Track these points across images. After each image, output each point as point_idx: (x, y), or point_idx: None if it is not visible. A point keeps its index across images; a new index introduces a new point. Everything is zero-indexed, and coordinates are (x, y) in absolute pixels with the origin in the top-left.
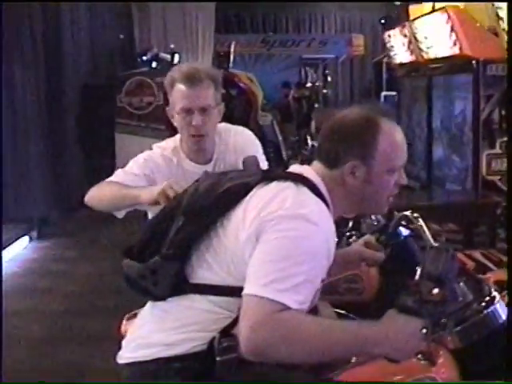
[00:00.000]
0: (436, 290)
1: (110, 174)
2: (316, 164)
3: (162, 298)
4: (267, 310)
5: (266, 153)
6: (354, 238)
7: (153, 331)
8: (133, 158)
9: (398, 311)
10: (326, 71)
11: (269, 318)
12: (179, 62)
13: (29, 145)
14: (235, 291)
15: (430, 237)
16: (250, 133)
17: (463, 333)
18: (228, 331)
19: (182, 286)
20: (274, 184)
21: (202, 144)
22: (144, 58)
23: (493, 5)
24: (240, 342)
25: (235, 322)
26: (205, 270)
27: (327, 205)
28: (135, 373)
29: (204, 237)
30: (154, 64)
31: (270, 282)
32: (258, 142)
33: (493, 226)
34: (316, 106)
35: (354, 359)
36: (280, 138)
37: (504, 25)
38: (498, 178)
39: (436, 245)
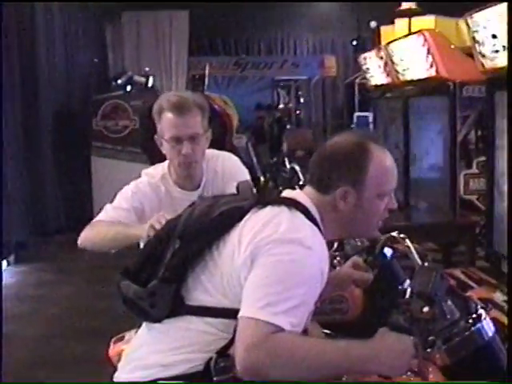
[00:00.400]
0: (426, 309)
1: (87, 197)
2: (308, 189)
3: (159, 320)
4: (262, 332)
5: None
6: (338, 259)
7: (150, 352)
8: (109, 181)
9: (389, 329)
10: (299, 92)
11: (263, 339)
12: (153, 85)
13: (4, 170)
14: (231, 313)
15: (416, 257)
16: (237, 158)
17: (451, 350)
18: (224, 352)
19: (178, 307)
20: (269, 209)
21: (191, 171)
22: (118, 81)
23: (469, 28)
24: (236, 362)
25: (231, 342)
26: (201, 293)
27: (319, 229)
28: None
29: (199, 260)
30: (128, 87)
31: (265, 305)
32: (244, 168)
33: (472, 245)
34: (288, 126)
35: (345, 377)
36: (255, 160)
37: (480, 48)
38: (476, 197)
39: (426, 264)
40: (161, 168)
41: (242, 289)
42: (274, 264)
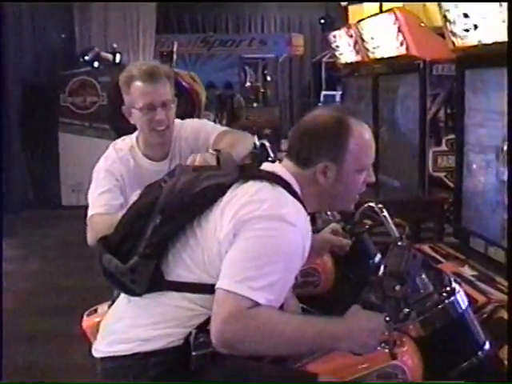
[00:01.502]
0: (398, 287)
1: (54, 174)
2: (287, 162)
3: (139, 295)
4: (239, 306)
5: None
6: None
7: (129, 326)
8: (76, 157)
9: (361, 306)
10: (266, 71)
11: (240, 313)
12: (120, 61)
13: None
14: (211, 289)
15: (393, 227)
16: (194, 120)
17: (426, 322)
18: (204, 327)
19: (158, 283)
20: (251, 183)
21: (164, 138)
22: (86, 57)
23: (440, 7)
24: (211, 334)
25: (211, 318)
26: (181, 268)
27: (301, 202)
28: (111, 367)
29: (181, 235)
30: (95, 64)
31: (244, 278)
32: (203, 120)
33: (440, 221)
34: (255, 105)
35: (316, 354)
36: None
37: (451, 27)
38: (444, 174)
39: (399, 243)
40: (129, 140)
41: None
42: (255, 239)
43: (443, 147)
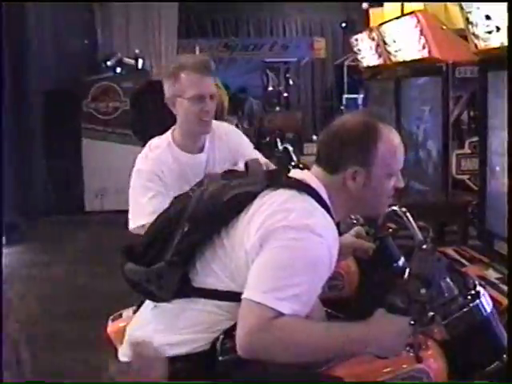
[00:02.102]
0: (423, 290)
1: (78, 180)
2: (316, 169)
3: (166, 301)
4: (265, 317)
5: None
6: None
7: (155, 331)
8: (99, 162)
9: (386, 310)
10: (288, 74)
11: (266, 324)
12: (143, 67)
13: None
14: (238, 297)
15: (417, 231)
16: (230, 125)
17: (450, 325)
18: (230, 333)
19: (185, 289)
20: (280, 192)
21: (209, 128)
22: (108, 63)
23: (462, 9)
24: (237, 343)
25: (236, 325)
26: (208, 276)
27: (329, 211)
28: None
29: (208, 244)
30: (118, 69)
31: (270, 289)
32: (248, 141)
33: (464, 224)
34: (277, 109)
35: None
36: None
37: (473, 29)
38: (468, 177)
39: (424, 247)
40: (164, 137)
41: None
42: (282, 249)
43: (466, 150)
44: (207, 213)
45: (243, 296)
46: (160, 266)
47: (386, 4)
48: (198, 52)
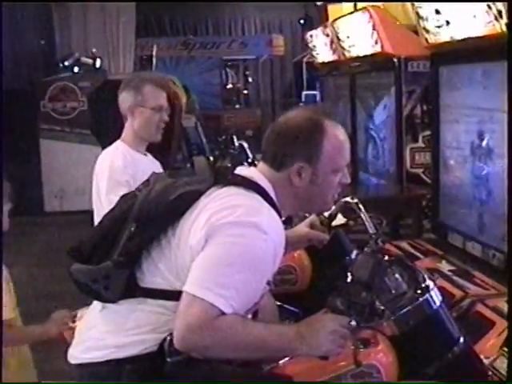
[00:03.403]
0: (364, 294)
1: (36, 180)
2: (262, 166)
3: (113, 301)
4: (205, 315)
5: (190, 155)
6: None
7: (104, 332)
8: (58, 162)
9: (329, 310)
10: (247, 72)
11: (205, 323)
12: (101, 66)
13: None
14: (179, 295)
15: (370, 223)
16: None
17: (399, 320)
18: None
19: (132, 290)
20: (225, 189)
21: (160, 135)
22: (65, 63)
23: (413, 4)
24: (174, 336)
25: None
26: (155, 275)
27: (276, 208)
28: (86, 374)
29: (155, 243)
30: (75, 69)
31: (213, 285)
32: None
33: (418, 217)
34: (237, 106)
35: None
36: (204, 140)
37: (424, 23)
38: (422, 170)
39: (366, 250)
40: (115, 145)
41: None
42: (228, 245)
43: (420, 144)
44: (153, 213)
45: (185, 288)
46: (106, 265)
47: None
48: (155, 50)
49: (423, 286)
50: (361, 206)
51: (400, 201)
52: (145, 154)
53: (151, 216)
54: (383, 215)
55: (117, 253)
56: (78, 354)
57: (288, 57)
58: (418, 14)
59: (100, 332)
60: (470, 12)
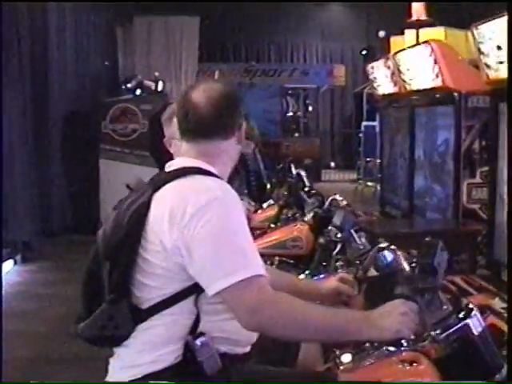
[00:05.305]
0: (430, 279)
1: (94, 200)
2: (189, 150)
3: (128, 337)
4: (254, 289)
5: (247, 181)
6: (340, 263)
7: (133, 354)
8: (116, 183)
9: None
10: (307, 101)
11: (262, 296)
12: (163, 89)
13: (13, 169)
14: (181, 295)
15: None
16: None
17: (443, 341)
18: (195, 331)
19: (140, 316)
20: (167, 188)
21: None
22: (128, 85)
23: (474, 38)
24: (244, 326)
25: (197, 319)
26: (148, 293)
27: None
28: None
29: (133, 267)
30: (138, 91)
31: (232, 268)
32: None
33: (473, 253)
34: (296, 135)
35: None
36: (262, 166)
37: (485, 59)
38: (478, 206)
39: (427, 239)
40: None
41: (182, 269)
42: (209, 234)
43: (477, 179)
44: (116, 243)
45: (215, 291)
46: (104, 308)
47: (406, 32)
48: (217, 76)
49: (466, 310)
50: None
51: (456, 236)
52: None
53: (116, 248)
54: None
55: (107, 293)
56: (114, 374)
57: (349, 87)
58: (479, 49)
59: (129, 354)
60: None
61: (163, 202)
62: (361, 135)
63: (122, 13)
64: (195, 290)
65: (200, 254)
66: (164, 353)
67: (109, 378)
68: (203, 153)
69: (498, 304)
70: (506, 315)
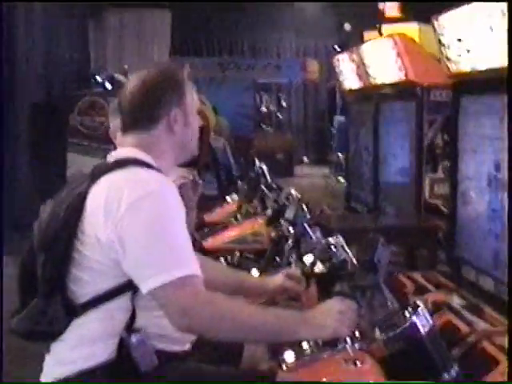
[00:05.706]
0: (369, 277)
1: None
2: (128, 139)
3: (62, 332)
4: (186, 290)
5: (218, 175)
6: (294, 256)
7: (67, 349)
8: None
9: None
10: (280, 95)
11: (196, 296)
12: None
13: None
14: (117, 291)
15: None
16: None
17: (388, 341)
18: (131, 327)
19: (74, 311)
20: (103, 180)
21: None
22: (97, 77)
23: (435, 30)
24: (175, 326)
25: (133, 315)
26: (83, 288)
27: (154, 168)
28: None
29: (69, 260)
30: (107, 85)
31: (169, 265)
32: None
33: (433, 249)
34: (269, 129)
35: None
36: (232, 161)
37: (446, 51)
38: (441, 201)
39: (371, 235)
40: None
41: (117, 264)
42: (142, 229)
43: (439, 174)
44: (52, 236)
45: (148, 289)
46: (36, 302)
47: (384, 27)
48: (187, 70)
49: (413, 307)
50: (345, 246)
51: (416, 231)
52: None
53: (51, 240)
54: (399, 245)
55: (41, 287)
56: (49, 372)
57: (322, 82)
58: (440, 41)
59: (63, 349)
60: (491, 43)
61: (99, 193)
62: (332, 129)
63: (94, 5)
64: (132, 286)
65: (133, 250)
66: (98, 348)
67: (43, 375)
68: (136, 143)
69: (456, 301)
70: (462, 313)
